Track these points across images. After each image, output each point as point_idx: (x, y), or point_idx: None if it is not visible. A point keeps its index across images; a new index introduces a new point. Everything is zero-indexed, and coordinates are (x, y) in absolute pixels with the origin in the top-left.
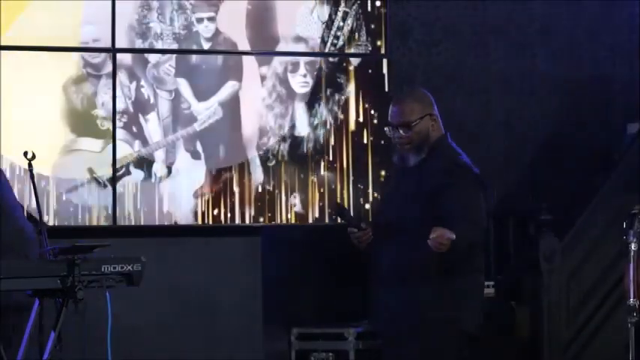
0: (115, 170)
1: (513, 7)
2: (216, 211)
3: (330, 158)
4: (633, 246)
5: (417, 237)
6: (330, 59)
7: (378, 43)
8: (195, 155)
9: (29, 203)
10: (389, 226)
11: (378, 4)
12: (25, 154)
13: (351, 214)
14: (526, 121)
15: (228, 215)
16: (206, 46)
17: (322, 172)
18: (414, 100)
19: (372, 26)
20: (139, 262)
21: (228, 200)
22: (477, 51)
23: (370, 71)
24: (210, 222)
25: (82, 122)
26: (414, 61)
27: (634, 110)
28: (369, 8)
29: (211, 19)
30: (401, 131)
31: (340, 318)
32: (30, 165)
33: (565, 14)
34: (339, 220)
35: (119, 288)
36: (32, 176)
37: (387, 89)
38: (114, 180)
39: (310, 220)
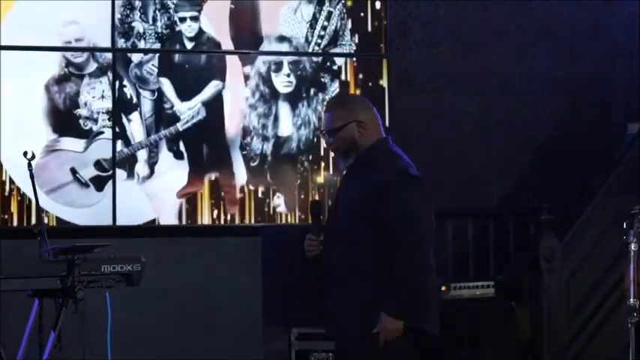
0: (114, 170)
1: (513, 7)
2: (200, 211)
3: (330, 163)
4: (633, 246)
5: (357, 238)
6: (314, 59)
7: (361, 41)
8: (178, 155)
9: (29, 202)
10: (331, 229)
11: (377, 4)
12: (25, 154)
13: (321, 221)
14: (526, 121)
15: (204, 214)
16: (189, 45)
17: (305, 173)
18: (340, 107)
19: (358, 25)
20: (139, 262)
21: (212, 200)
22: (477, 51)
23: (367, 71)
24: (205, 222)
25: (64, 122)
26: (414, 61)
27: (634, 110)
28: (369, 8)
29: (194, 19)
30: (328, 137)
31: None
32: (30, 165)
33: (565, 14)
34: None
35: (119, 288)
36: (32, 176)
37: (386, 90)
38: (114, 180)
39: (293, 221)
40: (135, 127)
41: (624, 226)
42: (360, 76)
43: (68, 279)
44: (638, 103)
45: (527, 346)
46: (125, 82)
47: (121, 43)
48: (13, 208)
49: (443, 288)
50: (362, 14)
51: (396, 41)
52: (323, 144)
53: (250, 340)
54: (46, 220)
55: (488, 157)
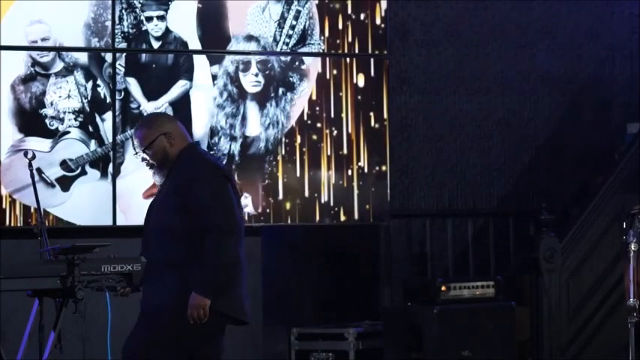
0: (114, 168)
1: (513, 7)
2: None
3: (297, 163)
4: (633, 246)
5: (173, 232)
6: (282, 58)
7: (336, 41)
8: None
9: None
10: (148, 231)
11: (377, 5)
12: (26, 154)
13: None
14: (526, 121)
15: None
16: (156, 45)
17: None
18: (143, 126)
19: (359, 26)
20: (139, 262)
21: None
22: (477, 51)
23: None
24: None
25: (30, 121)
26: (414, 61)
27: (634, 110)
28: (368, 9)
29: (161, 18)
30: (144, 156)
31: (340, 318)
32: (30, 165)
33: (565, 14)
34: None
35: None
36: (32, 176)
37: (385, 90)
38: (114, 179)
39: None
40: (108, 126)
41: (624, 226)
42: (361, 76)
43: (68, 279)
44: (638, 103)
45: (527, 346)
46: (99, 82)
47: (94, 42)
48: None
49: (443, 288)
50: (362, 15)
51: (396, 41)
52: (297, 142)
53: (250, 340)
54: (8, 222)
55: (488, 157)
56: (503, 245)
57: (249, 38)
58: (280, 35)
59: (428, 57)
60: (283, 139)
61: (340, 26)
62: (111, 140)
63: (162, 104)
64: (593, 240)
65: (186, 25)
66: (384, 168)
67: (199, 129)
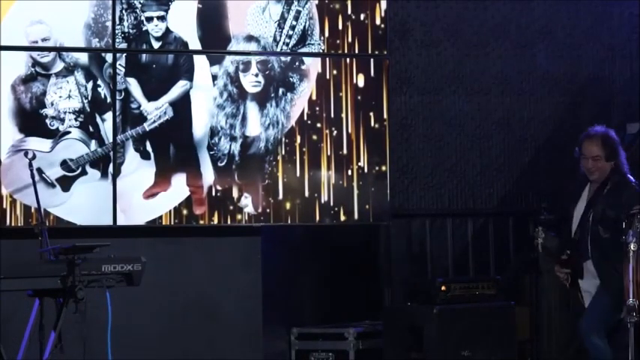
0: (115, 168)
1: (513, 7)
2: (168, 212)
3: (297, 163)
4: (633, 246)
5: None
6: (282, 58)
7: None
8: (144, 155)
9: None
10: None
11: (377, 5)
12: (26, 154)
13: None
14: (526, 121)
15: (170, 215)
16: (156, 45)
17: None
18: None
19: (358, 26)
20: (139, 262)
21: (179, 200)
22: (477, 51)
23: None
24: (194, 222)
25: (30, 122)
26: (414, 61)
27: (634, 110)
28: (368, 9)
29: (161, 19)
30: None
31: (340, 318)
32: (30, 165)
33: (565, 14)
34: None
35: (119, 288)
36: (33, 176)
37: (384, 90)
38: (114, 179)
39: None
40: (108, 126)
41: (623, 226)
42: (361, 76)
43: (68, 279)
44: (638, 103)
45: (527, 346)
46: (99, 82)
47: (94, 42)
48: None
49: (443, 288)
50: (362, 15)
51: (396, 41)
52: (297, 142)
53: (250, 340)
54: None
55: (488, 157)
56: (503, 245)
57: (249, 38)
58: (280, 35)
59: (428, 57)
60: (283, 139)
61: (340, 26)
62: (111, 140)
63: (162, 104)
64: None
65: (186, 26)
66: (383, 168)
67: (199, 129)
